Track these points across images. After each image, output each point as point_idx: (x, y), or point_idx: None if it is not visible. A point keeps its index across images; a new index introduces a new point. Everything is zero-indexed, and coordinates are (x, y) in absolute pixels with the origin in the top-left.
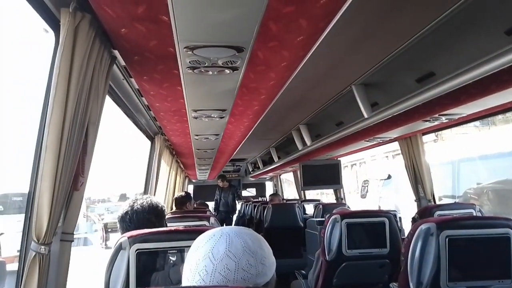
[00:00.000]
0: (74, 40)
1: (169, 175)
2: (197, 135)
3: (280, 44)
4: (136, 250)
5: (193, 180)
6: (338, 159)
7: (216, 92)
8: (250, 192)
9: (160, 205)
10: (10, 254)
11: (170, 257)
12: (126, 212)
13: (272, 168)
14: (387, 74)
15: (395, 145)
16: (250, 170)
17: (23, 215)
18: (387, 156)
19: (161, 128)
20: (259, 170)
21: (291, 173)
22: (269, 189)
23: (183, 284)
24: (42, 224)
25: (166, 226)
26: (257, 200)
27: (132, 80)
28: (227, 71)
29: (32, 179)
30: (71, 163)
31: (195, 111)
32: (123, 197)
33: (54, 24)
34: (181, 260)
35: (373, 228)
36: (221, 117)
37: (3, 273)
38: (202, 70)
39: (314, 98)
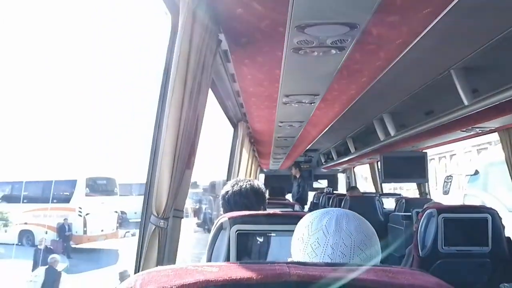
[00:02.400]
0: (192, 23)
1: (247, 163)
2: (281, 122)
3: (401, 18)
4: (236, 231)
5: (264, 170)
6: (424, 151)
7: (314, 75)
8: (321, 183)
9: (261, 188)
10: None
11: (269, 240)
12: (227, 192)
13: (347, 160)
14: (492, 57)
15: (482, 138)
16: (323, 161)
17: (105, 197)
18: (470, 151)
19: (245, 115)
20: (333, 161)
21: (363, 167)
22: (342, 181)
23: (293, 255)
24: (161, 199)
25: (265, 210)
26: (329, 192)
27: (229, 65)
28: (333, 51)
29: (152, 157)
30: (187, 142)
31: (287, 96)
32: (193, 185)
33: (174, 7)
34: (279, 243)
35: (473, 224)
36: (312, 103)
37: None
38: (307, 50)
39: (403, 84)
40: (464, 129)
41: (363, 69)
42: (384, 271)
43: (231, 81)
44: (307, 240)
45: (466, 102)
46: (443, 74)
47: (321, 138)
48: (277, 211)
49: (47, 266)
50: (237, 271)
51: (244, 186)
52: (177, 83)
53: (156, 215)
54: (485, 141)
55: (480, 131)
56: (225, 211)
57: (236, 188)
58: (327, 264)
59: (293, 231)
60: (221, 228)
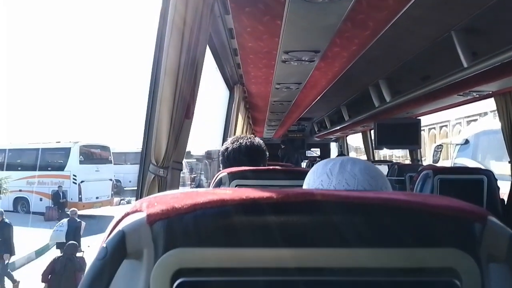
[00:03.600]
0: None
1: (242, 130)
2: (279, 84)
3: None
4: (236, 186)
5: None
6: (418, 118)
7: (316, 27)
8: (314, 152)
9: (262, 146)
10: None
11: None
12: (226, 149)
13: (341, 128)
14: (493, 19)
15: (472, 109)
16: (316, 130)
17: (100, 165)
18: (460, 122)
19: (242, 77)
20: (326, 130)
21: (354, 138)
22: (334, 150)
23: None
24: (161, 148)
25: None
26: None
27: (227, 18)
28: None
29: (149, 104)
30: (186, 89)
31: (287, 52)
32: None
33: None
34: None
35: (469, 186)
36: (311, 61)
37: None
38: None
39: (402, 48)
40: (461, 93)
41: (368, 20)
42: (413, 195)
43: (229, 37)
44: (312, 184)
45: (465, 64)
46: (444, 36)
47: (315, 106)
48: None
49: (69, 218)
50: (255, 192)
51: (244, 143)
52: (175, 28)
53: (155, 164)
54: (475, 112)
55: (477, 95)
56: (225, 168)
57: (236, 145)
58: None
59: (293, 186)
60: (220, 183)
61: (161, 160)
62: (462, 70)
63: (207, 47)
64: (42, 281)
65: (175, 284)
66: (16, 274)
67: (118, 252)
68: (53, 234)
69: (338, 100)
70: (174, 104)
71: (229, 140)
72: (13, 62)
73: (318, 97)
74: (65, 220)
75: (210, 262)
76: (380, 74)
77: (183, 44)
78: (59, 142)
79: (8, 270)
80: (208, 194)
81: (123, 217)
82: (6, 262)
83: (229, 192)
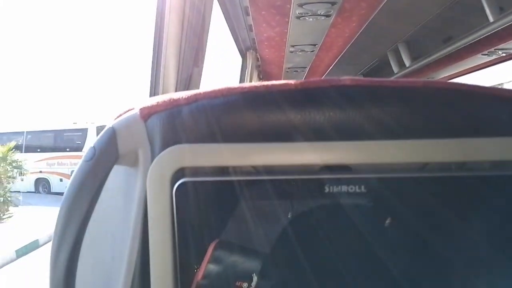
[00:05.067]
0: None
1: None
2: (293, 46)
3: None
4: None
5: None
6: None
7: None
8: None
9: None
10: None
11: None
12: None
13: None
14: None
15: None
16: None
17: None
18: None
19: (254, 42)
20: None
21: None
22: None
23: None
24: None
25: None
26: None
27: None
28: None
29: (155, 48)
30: (194, 32)
31: (301, 5)
32: None
33: None
34: None
35: None
36: (327, 15)
37: None
38: None
39: (422, 7)
40: (486, 52)
41: None
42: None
43: None
44: None
45: (491, 19)
46: None
47: (330, 75)
48: None
49: None
50: (268, 82)
51: None
52: None
53: None
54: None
55: (504, 54)
56: None
57: None
58: None
59: None
60: None
61: None
62: (486, 26)
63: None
64: None
65: (175, 186)
66: None
67: (108, 153)
68: None
69: (354, 69)
70: (181, 46)
71: None
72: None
73: (334, 63)
74: None
75: (216, 159)
76: (399, 37)
77: None
78: (76, 123)
79: None
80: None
81: (115, 119)
82: None
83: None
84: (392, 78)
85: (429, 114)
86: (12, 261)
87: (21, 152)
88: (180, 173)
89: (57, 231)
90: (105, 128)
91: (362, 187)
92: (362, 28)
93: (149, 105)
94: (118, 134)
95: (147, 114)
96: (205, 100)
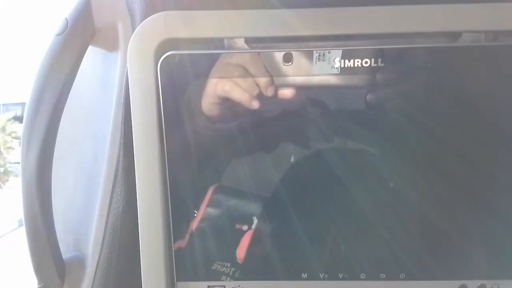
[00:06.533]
0: None
1: None
2: None
3: None
4: None
5: None
6: None
7: None
8: None
9: None
10: None
11: None
12: None
13: None
14: None
15: None
16: None
17: None
18: None
19: None
20: None
21: None
22: None
23: None
24: None
25: None
26: None
27: None
28: None
29: None
30: None
31: None
32: None
33: None
34: None
35: None
36: None
37: None
38: None
39: None
40: None
41: None
42: None
43: None
44: None
45: None
46: None
47: None
48: None
49: None
50: None
51: None
52: None
53: None
54: None
55: None
56: None
57: None
58: None
59: None
60: None
61: None
62: None
63: None
64: None
65: (160, 59)
66: None
67: (82, 26)
68: None
69: None
70: None
71: None
72: None
73: None
74: None
75: (208, 29)
76: None
77: None
78: None
79: None
80: None
81: None
82: None
83: None
84: None
85: None
86: (14, 230)
87: (20, 122)
88: (166, 45)
89: (28, 117)
90: None
91: (379, 60)
92: None
93: None
94: (93, 4)
95: None
96: None
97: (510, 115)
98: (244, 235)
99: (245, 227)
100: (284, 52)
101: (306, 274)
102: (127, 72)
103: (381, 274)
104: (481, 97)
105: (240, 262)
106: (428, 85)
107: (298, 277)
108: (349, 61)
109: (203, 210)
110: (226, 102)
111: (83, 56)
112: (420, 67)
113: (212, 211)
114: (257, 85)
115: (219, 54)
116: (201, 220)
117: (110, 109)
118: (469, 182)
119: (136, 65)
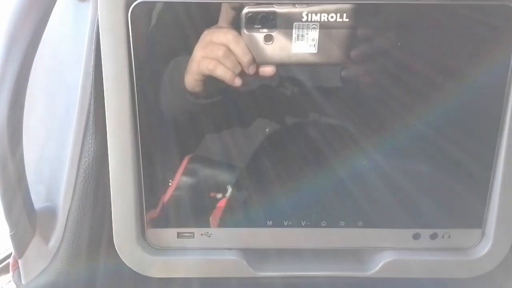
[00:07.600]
0: None
1: None
2: None
3: None
4: None
5: None
6: None
7: None
8: None
9: None
10: None
11: None
12: None
13: None
14: None
15: None
16: None
17: None
18: None
19: None
20: None
21: None
22: None
23: None
24: None
25: None
26: None
27: None
28: None
29: None
30: None
31: None
32: None
33: None
34: None
35: None
36: None
37: None
38: None
39: None
40: None
41: None
42: None
43: None
44: None
45: None
46: None
47: None
48: None
49: None
50: None
51: None
52: None
53: None
54: None
55: None
56: None
57: None
58: None
59: None
60: None
61: None
62: None
63: None
64: None
65: (131, 7)
66: None
67: None
68: None
69: None
70: None
71: None
72: None
73: None
74: None
75: None
76: None
77: None
78: None
79: None
80: None
81: None
82: None
83: None
84: None
85: None
86: None
87: None
88: None
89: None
90: None
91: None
92: None
93: None
94: None
95: None
96: None
97: (475, 75)
98: (218, 203)
99: (219, 195)
100: (264, 34)
101: (271, 222)
102: (98, 20)
103: (340, 222)
104: (449, 56)
105: (213, 227)
106: (399, 47)
107: (263, 225)
108: (322, 18)
109: (179, 177)
110: (209, 78)
111: (54, 3)
112: (390, 24)
113: (186, 179)
114: (240, 63)
115: (191, 3)
116: (176, 186)
117: (82, 58)
118: (426, 137)
119: (106, 12)
